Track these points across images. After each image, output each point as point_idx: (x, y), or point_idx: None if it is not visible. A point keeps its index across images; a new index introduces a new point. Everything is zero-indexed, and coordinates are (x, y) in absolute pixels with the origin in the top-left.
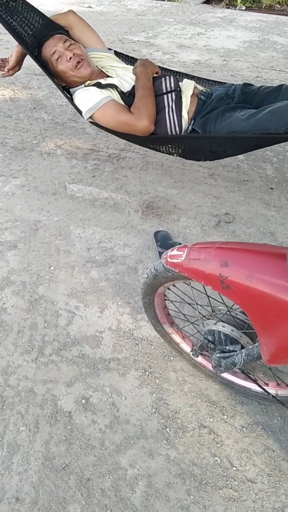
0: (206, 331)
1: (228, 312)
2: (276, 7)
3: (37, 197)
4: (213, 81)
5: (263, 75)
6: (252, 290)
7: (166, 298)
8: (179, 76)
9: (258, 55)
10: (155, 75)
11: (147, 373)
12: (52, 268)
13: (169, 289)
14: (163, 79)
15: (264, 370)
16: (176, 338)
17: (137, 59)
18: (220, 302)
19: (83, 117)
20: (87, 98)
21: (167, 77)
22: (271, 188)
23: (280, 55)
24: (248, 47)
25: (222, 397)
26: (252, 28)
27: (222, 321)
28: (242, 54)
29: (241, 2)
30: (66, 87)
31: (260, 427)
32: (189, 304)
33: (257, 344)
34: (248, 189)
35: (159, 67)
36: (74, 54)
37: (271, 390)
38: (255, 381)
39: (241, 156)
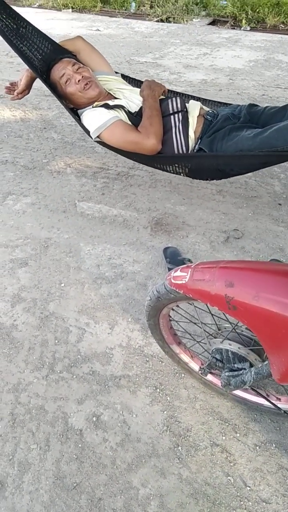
0: (214, 350)
1: (234, 330)
2: (281, 27)
3: (47, 215)
4: (218, 102)
5: (269, 93)
6: (259, 310)
7: (171, 318)
8: (186, 97)
9: (264, 73)
10: (162, 96)
11: (158, 390)
12: (62, 284)
13: (173, 309)
14: (169, 100)
15: (276, 386)
16: (185, 357)
17: (142, 81)
18: (225, 320)
19: (91, 137)
20: (95, 118)
21: (174, 99)
22: (279, 204)
23: (285, 73)
24: (254, 66)
25: (234, 415)
26: (257, 47)
27: (228, 339)
28: (248, 73)
29: (246, 23)
30: (74, 109)
31: (274, 445)
32: (194, 323)
33: (266, 362)
34: (256, 205)
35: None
36: (82, 76)
37: (284, 405)
38: (266, 398)
39: (248, 173)
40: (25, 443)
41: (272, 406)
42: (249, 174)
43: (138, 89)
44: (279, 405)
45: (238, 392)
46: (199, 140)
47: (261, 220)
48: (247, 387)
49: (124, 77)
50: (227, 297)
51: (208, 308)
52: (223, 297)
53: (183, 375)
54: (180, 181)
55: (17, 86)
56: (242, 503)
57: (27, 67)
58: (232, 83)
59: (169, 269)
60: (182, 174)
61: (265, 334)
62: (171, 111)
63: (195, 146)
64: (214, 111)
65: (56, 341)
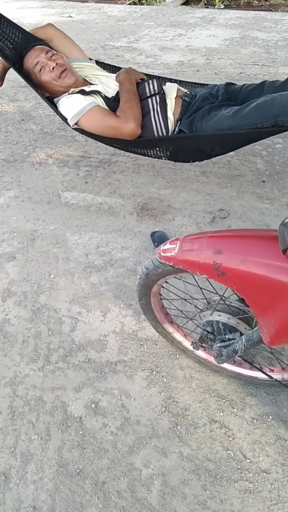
0: (205, 323)
1: (222, 301)
2: (254, 3)
3: (31, 207)
4: (195, 83)
5: (246, 70)
6: (247, 273)
7: (162, 297)
8: (162, 80)
9: (240, 51)
10: (140, 81)
11: (154, 372)
12: (52, 276)
13: (163, 287)
14: (146, 83)
15: (269, 358)
16: (178, 336)
17: (119, 67)
18: (213, 293)
19: (69, 125)
20: (72, 105)
21: (150, 81)
22: (263, 181)
23: (261, 50)
24: (230, 45)
25: (230, 391)
26: (232, 25)
27: (218, 311)
28: (224, 51)
29: (219, 1)
30: (50, 97)
31: (271, 417)
32: (184, 299)
33: (256, 328)
34: (240, 184)
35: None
36: (57, 64)
37: (277, 375)
38: (259, 369)
39: (231, 152)
40: (26, 434)
41: (267, 378)
42: (232, 153)
43: (114, 75)
44: (272, 376)
45: (232, 367)
46: (179, 122)
47: (245, 198)
48: (238, 356)
49: (98, 63)
50: (216, 264)
51: (197, 282)
52: (212, 265)
53: (178, 356)
54: (163, 165)
55: None
56: (243, 475)
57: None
58: (209, 63)
59: None
60: (163, 158)
61: (254, 297)
62: (148, 94)
63: (175, 128)
64: (192, 92)
65: (50, 332)
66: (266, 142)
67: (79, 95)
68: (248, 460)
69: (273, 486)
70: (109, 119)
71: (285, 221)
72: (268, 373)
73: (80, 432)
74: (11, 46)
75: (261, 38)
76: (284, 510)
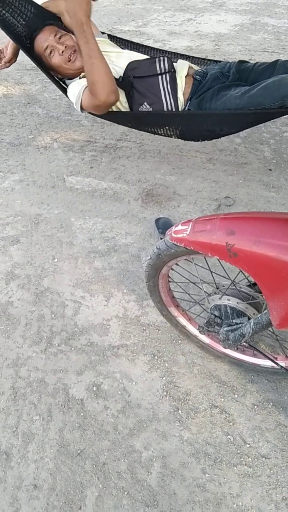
0: (212, 307)
1: (232, 285)
2: None
3: (36, 191)
4: (208, 59)
5: (256, 57)
6: (259, 255)
7: (170, 279)
8: (174, 56)
9: (250, 37)
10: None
11: (156, 357)
12: (55, 260)
13: (172, 269)
14: (156, 59)
15: (271, 346)
16: (182, 320)
17: (130, 41)
18: (224, 277)
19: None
20: (73, 89)
21: (161, 58)
22: (270, 170)
23: (271, 36)
24: (239, 30)
25: (231, 377)
26: (242, 11)
27: (227, 295)
28: (234, 37)
29: None
30: (63, 79)
31: (271, 404)
32: (193, 283)
33: (266, 311)
34: (246, 171)
35: (153, 48)
36: (65, 46)
37: (281, 363)
38: (264, 355)
39: (238, 139)
40: (28, 414)
41: (269, 366)
42: (239, 140)
43: (125, 52)
44: (278, 362)
45: (235, 354)
46: (188, 102)
47: (252, 186)
48: (246, 339)
49: (110, 37)
50: (228, 245)
51: (208, 265)
52: (224, 246)
53: (180, 341)
54: (169, 151)
55: (3, 54)
56: (242, 459)
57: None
58: (218, 49)
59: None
60: (173, 136)
61: (265, 279)
62: (158, 72)
63: (184, 108)
64: (204, 69)
65: (53, 316)
66: (274, 130)
67: (84, 78)
68: (248, 445)
69: (272, 471)
70: (90, 98)
71: None
72: (273, 359)
73: (82, 414)
74: (23, 22)
75: (271, 24)
76: (282, 494)
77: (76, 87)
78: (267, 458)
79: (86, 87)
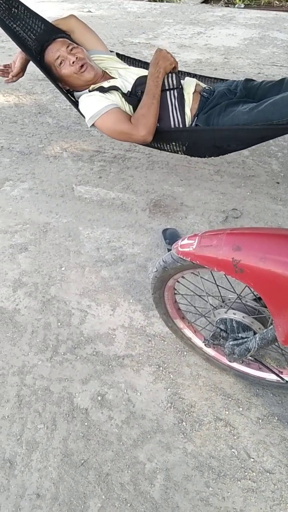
0: (218, 320)
1: (238, 299)
2: (275, 3)
3: (45, 200)
4: (214, 78)
5: (265, 71)
6: (266, 271)
7: (176, 292)
8: (181, 74)
9: (259, 51)
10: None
11: (161, 368)
12: (63, 268)
13: (178, 282)
14: (165, 76)
15: (277, 360)
16: (188, 332)
17: (139, 60)
18: (230, 291)
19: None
20: (91, 105)
21: (169, 75)
22: (277, 183)
23: (280, 50)
24: (249, 44)
25: (236, 390)
26: (251, 25)
27: (233, 309)
28: (243, 51)
29: (239, 0)
30: (70, 91)
31: (276, 418)
32: (199, 296)
33: (271, 327)
34: (254, 184)
35: None
36: (77, 58)
37: (286, 377)
38: (270, 369)
39: (246, 152)
40: (32, 423)
41: (275, 380)
42: (246, 153)
43: (133, 68)
44: (283, 377)
45: (240, 367)
46: (196, 118)
47: (259, 199)
48: (251, 354)
49: (118, 55)
50: (234, 260)
51: (214, 279)
52: (230, 261)
53: (185, 353)
54: (177, 162)
55: (11, 68)
56: (246, 474)
57: (20, 50)
58: (227, 62)
59: (169, 250)
60: (180, 153)
61: (271, 295)
62: (166, 87)
63: (191, 124)
64: (211, 87)
65: (59, 324)
66: (282, 144)
67: (98, 93)
68: (252, 460)
69: (276, 487)
70: (122, 125)
71: None
72: (279, 374)
73: (86, 424)
74: (33, 37)
75: (280, 39)
76: (286, 510)
77: (96, 103)
78: (272, 473)
79: (113, 108)
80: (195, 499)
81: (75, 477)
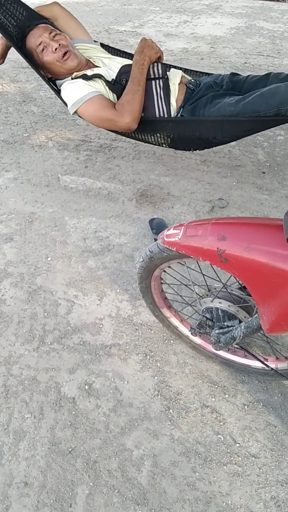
0: (204, 309)
1: (224, 288)
2: None
3: (30, 190)
4: (200, 72)
5: (251, 61)
6: (250, 261)
7: (162, 281)
8: (167, 66)
9: (245, 41)
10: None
11: (148, 357)
12: (49, 258)
13: (164, 271)
14: (150, 65)
15: (262, 347)
16: (175, 321)
17: (123, 51)
18: (216, 280)
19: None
20: (74, 91)
21: (155, 64)
22: (263, 172)
23: (267, 40)
24: (235, 34)
25: (223, 377)
26: (238, 14)
27: (219, 298)
28: (229, 40)
29: None
30: (53, 79)
31: (261, 404)
32: (186, 285)
33: (256, 315)
34: (240, 174)
35: None
36: (60, 44)
37: (271, 364)
38: (255, 357)
39: (232, 142)
40: (19, 412)
41: (260, 367)
42: (233, 143)
43: (117, 58)
44: (268, 364)
45: (226, 354)
46: (181, 109)
47: (245, 188)
48: (236, 343)
49: (103, 45)
50: (219, 250)
51: (200, 269)
52: (215, 251)
53: (172, 341)
54: (164, 152)
55: None
56: (232, 458)
57: (1, 36)
58: (214, 52)
59: (155, 240)
60: (164, 145)
61: (256, 285)
62: (152, 76)
63: (177, 115)
64: (196, 80)
65: (46, 314)
66: (267, 134)
67: (81, 80)
68: (238, 445)
69: (261, 470)
70: (106, 111)
71: None
72: (263, 361)
73: (73, 412)
74: (14, 23)
75: (267, 28)
76: (271, 493)
77: (79, 90)
78: (257, 458)
79: (96, 95)
80: (182, 484)
81: (63, 465)
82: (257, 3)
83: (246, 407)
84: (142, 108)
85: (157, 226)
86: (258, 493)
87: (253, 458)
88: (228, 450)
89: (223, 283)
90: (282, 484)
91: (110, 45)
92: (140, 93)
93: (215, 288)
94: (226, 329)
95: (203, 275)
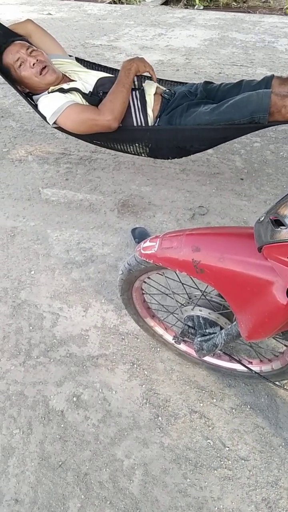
0: (186, 318)
1: (203, 296)
2: (233, 5)
3: (11, 204)
4: (174, 82)
5: (225, 70)
6: (224, 270)
7: (143, 292)
8: (142, 78)
9: (219, 52)
10: (147, 74)
11: (135, 366)
12: (32, 272)
13: (145, 282)
14: None
15: (247, 351)
16: (159, 330)
17: (98, 64)
18: (194, 288)
19: (48, 123)
20: (50, 103)
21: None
22: (241, 179)
23: (240, 50)
24: (209, 45)
25: (210, 382)
26: (211, 26)
27: (199, 306)
28: (204, 52)
29: (199, 2)
30: (30, 94)
31: (249, 407)
32: (166, 294)
33: (235, 323)
34: (219, 181)
35: (118, 70)
36: (37, 60)
37: (256, 367)
38: (239, 361)
39: (210, 150)
40: (7, 428)
41: (245, 370)
42: (211, 151)
43: (93, 71)
44: (251, 368)
45: (212, 359)
46: (158, 119)
47: (224, 195)
48: (219, 350)
49: (78, 60)
50: (194, 261)
51: (178, 277)
52: (191, 262)
53: (158, 349)
54: (143, 162)
55: None
56: (222, 462)
57: None
58: (189, 63)
59: None
60: (143, 155)
61: (231, 294)
62: None
63: (154, 125)
64: (171, 90)
65: (31, 328)
66: (244, 141)
67: (57, 93)
68: (227, 448)
69: (251, 473)
70: (85, 113)
71: (261, 219)
72: (247, 365)
73: (62, 425)
74: None
75: (239, 39)
76: (262, 495)
77: (56, 101)
78: (246, 460)
79: (73, 104)
80: (173, 491)
81: (54, 480)
82: (229, 15)
83: (234, 410)
84: (119, 120)
85: (140, 235)
86: (249, 496)
87: (243, 461)
88: (218, 455)
89: (201, 291)
90: (272, 486)
91: (86, 59)
92: (123, 94)
93: (195, 296)
94: (208, 337)
95: (182, 284)
